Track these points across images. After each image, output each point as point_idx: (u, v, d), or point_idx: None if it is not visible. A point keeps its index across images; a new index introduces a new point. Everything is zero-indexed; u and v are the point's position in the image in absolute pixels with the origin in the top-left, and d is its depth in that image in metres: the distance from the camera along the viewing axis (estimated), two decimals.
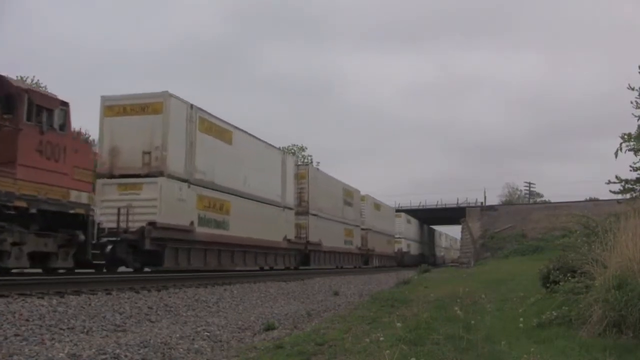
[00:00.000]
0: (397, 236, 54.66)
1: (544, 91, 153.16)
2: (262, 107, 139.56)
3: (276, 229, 24.87)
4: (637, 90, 10.10)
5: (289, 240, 26.23)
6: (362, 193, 43.07)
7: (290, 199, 27.07)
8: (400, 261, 53.18)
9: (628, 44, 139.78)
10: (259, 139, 24.21)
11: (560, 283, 7.93)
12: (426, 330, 6.52)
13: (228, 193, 20.59)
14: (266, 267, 24.55)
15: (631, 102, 10.03)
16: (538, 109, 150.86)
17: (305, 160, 61.79)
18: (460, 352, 5.30)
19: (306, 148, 67.54)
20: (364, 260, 41.97)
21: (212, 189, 19.61)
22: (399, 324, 6.89)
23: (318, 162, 63.91)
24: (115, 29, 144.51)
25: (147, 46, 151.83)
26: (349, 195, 38.23)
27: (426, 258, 64.71)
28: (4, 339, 6.37)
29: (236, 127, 21.83)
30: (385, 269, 42.23)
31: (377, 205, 47.85)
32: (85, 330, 7.37)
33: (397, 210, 63.81)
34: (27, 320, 7.50)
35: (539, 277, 9.51)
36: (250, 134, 23.32)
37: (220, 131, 20.50)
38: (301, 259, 28.92)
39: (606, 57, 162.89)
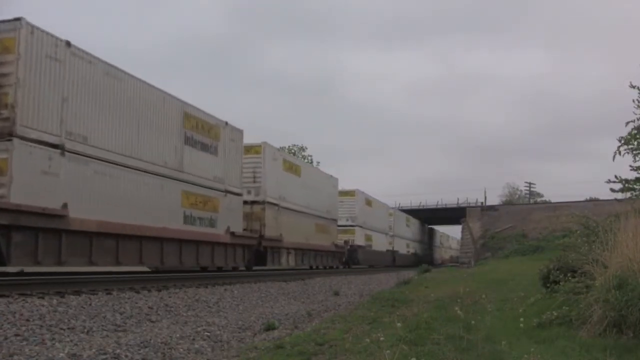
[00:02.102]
0: (347, 223, 38.59)
1: (545, 90, 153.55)
2: (263, 105, 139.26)
3: None
4: (637, 89, 10.06)
5: None
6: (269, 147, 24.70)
7: None
8: (349, 259, 37.21)
9: (632, 41, 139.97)
10: None
11: (561, 283, 7.93)
12: (426, 330, 6.53)
13: None
14: None
15: (633, 101, 9.99)
16: (539, 108, 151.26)
17: (306, 161, 61.38)
18: (461, 352, 5.30)
19: (306, 148, 67.56)
20: (250, 255, 22.44)
21: None
22: (399, 324, 6.88)
23: (318, 162, 63.94)
24: (116, 27, 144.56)
25: (147, 44, 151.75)
26: (209, 132, 19.48)
27: (401, 257, 52.12)
28: (4, 339, 6.37)
29: None
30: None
31: (296, 168, 28.02)
32: (85, 330, 7.37)
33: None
34: (28, 320, 7.50)
35: (539, 277, 9.50)
36: None
37: None
38: None
39: (611, 56, 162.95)
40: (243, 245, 21.76)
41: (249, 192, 23.18)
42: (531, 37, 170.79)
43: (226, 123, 20.84)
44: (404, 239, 56.52)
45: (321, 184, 32.48)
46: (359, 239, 39.86)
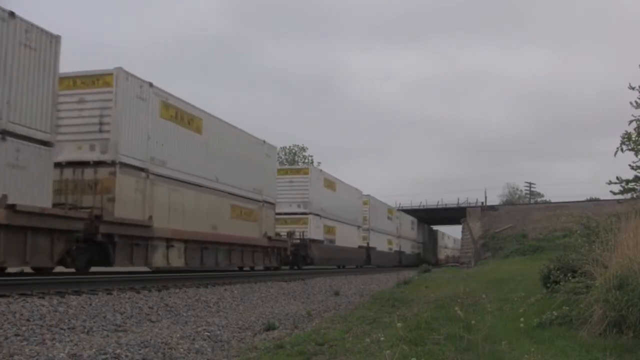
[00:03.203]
0: (298, 210, 29.71)
1: (546, 90, 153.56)
2: (263, 105, 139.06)
3: None
4: (637, 89, 10.06)
5: None
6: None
7: None
8: (297, 258, 28.39)
9: (634, 41, 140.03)
10: None
11: (561, 283, 7.94)
12: (427, 330, 6.53)
13: None
14: None
15: (630, 103, 9.99)
16: (540, 107, 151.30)
17: (306, 161, 61.84)
18: (461, 352, 5.30)
19: (307, 148, 67.62)
20: (69, 247, 13.15)
21: None
22: (399, 324, 6.88)
23: (319, 162, 64.02)
24: (115, 25, 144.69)
25: (146, 43, 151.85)
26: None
27: (380, 255, 43.70)
28: (4, 339, 6.37)
29: None
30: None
31: (191, 120, 18.46)
32: (85, 330, 7.37)
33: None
34: (28, 320, 7.50)
35: (539, 277, 9.51)
36: None
37: None
38: None
39: (613, 55, 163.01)
40: (49, 230, 12.33)
41: (92, 148, 14.70)
42: (533, 35, 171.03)
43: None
44: (385, 234, 46.97)
45: (244, 149, 22.10)
46: (314, 231, 29.98)
